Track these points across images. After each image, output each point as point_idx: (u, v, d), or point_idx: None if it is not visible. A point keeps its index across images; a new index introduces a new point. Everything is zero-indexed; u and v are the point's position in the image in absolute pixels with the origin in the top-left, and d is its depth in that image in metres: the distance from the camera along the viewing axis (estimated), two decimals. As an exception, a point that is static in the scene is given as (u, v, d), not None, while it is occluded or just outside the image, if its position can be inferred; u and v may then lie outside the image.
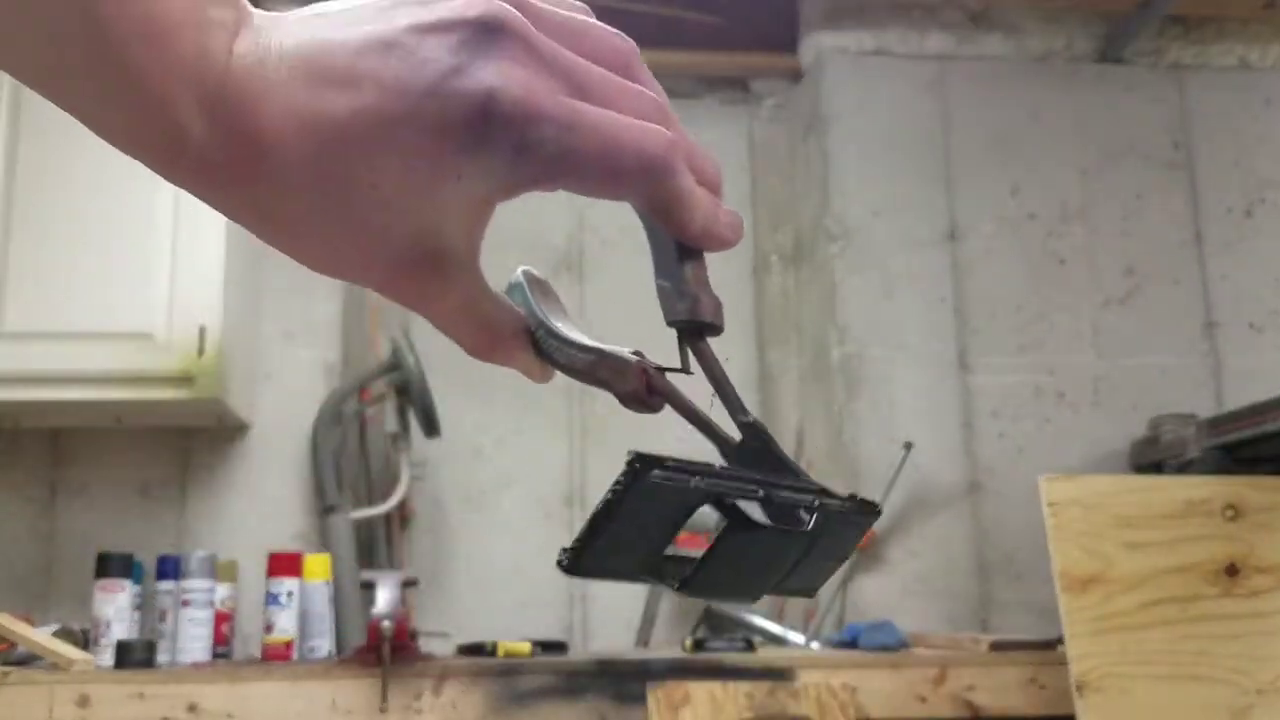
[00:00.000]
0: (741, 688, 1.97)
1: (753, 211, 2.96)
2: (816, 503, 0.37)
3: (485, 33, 0.32)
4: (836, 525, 0.37)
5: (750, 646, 2.14)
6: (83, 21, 0.30)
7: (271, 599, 2.11)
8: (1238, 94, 2.89)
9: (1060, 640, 1.96)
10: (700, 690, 1.95)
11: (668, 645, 2.54)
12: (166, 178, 0.34)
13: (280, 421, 2.52)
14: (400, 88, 0.32)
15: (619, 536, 0.33)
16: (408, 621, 2.04)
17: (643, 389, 0.38)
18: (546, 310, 0.40)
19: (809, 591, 0.39)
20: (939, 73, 2.81)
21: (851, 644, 2.21)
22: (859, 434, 2.58)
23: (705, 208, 0.36)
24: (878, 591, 2.51)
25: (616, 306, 2.64)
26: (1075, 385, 2.66)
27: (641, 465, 0.33)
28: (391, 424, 2.61)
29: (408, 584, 2.24)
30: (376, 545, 2.55)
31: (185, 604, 2.09)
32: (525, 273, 0.41)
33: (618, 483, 0.33)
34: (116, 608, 2.02)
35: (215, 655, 2.11)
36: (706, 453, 0.38)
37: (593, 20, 0.37)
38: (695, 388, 0.39)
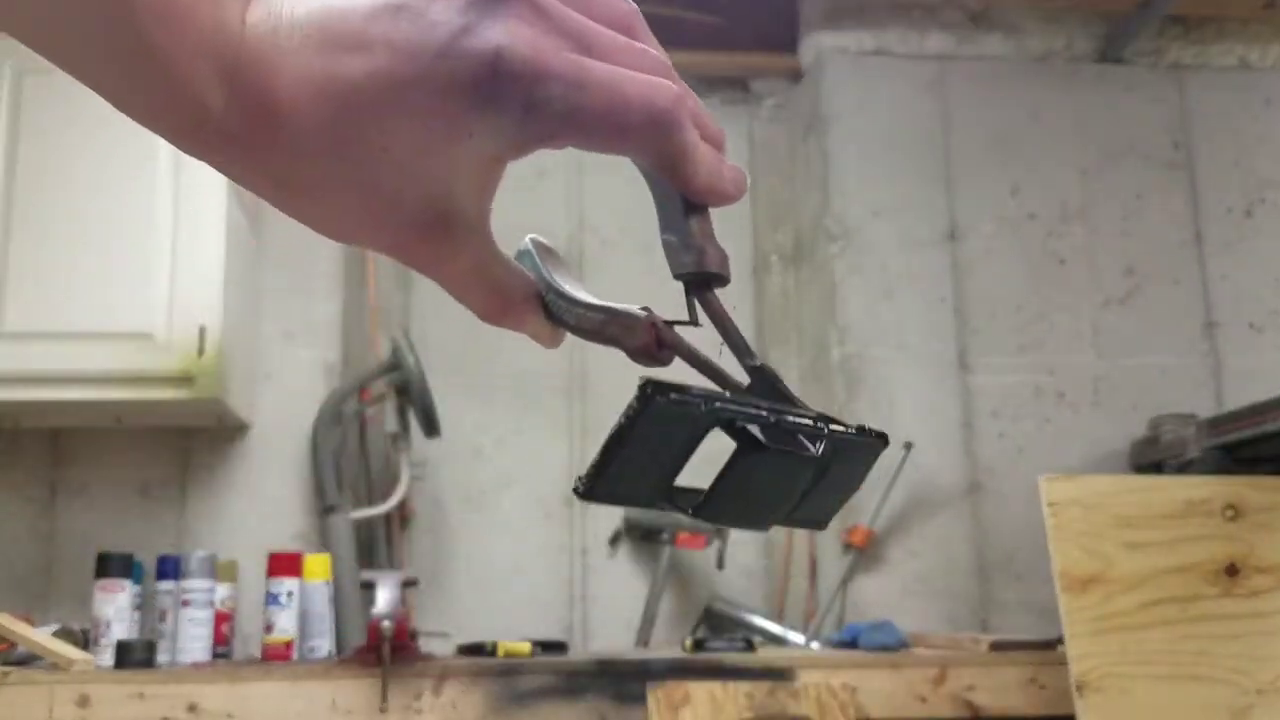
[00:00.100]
0: (741, 688, 1.97)
1: (753, 211, 2.96)
2: (825, 429, 0.37)
3: None
4: (846, 455, 0.38)
5: (750, 646, 2.14)
6: None
7: (271, 599, 2.11)
8: (1238, 94, 2.89)
9: (1060, 640, 1.96)
10: (700, 690, 1.95)
11: (668, 645, 2.54)
12: (185, 150, 0.34)
13: (280, 421, 2.52)
14: (411, 49, 0.33)
15: (631, 462, 0.34)
16: (408, 621, 2.04)
17: (652, 343, 0.38)
18: (556, 274, 0.40)
19: (819, 523, 0.40)
20: (939, 73, 2.81)
21: (851, 644, 2.21)
22: (863, 423, 2.58)
23: (710, 162, 0.37)
24: (878, 591, 2.51)
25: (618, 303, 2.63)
26: (1075, 385, 2.66)
27: (652, 390, 0.33)
28: (391, 424, 2.61)
29: (408, 584, 2.24)
30: (376, 545, 2.55)
31: (185, 604, 2.08)
32: (533, 240, 0.41)
33: (630, 408, 0.33)
34: (116, 608, 2.02)
35: (215, 655, 2.11)
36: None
37: None
38: (703, 342, 0.39)
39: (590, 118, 0.33)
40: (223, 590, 2.16)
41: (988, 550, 2.56)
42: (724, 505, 0.36)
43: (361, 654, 1.94)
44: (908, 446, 2.48)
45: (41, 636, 1.93)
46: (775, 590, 2.76)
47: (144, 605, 2.14)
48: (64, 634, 2.01)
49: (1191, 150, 2.85)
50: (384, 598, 2.07)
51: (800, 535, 2.71)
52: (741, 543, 2.70)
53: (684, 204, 0.38)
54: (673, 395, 0.34)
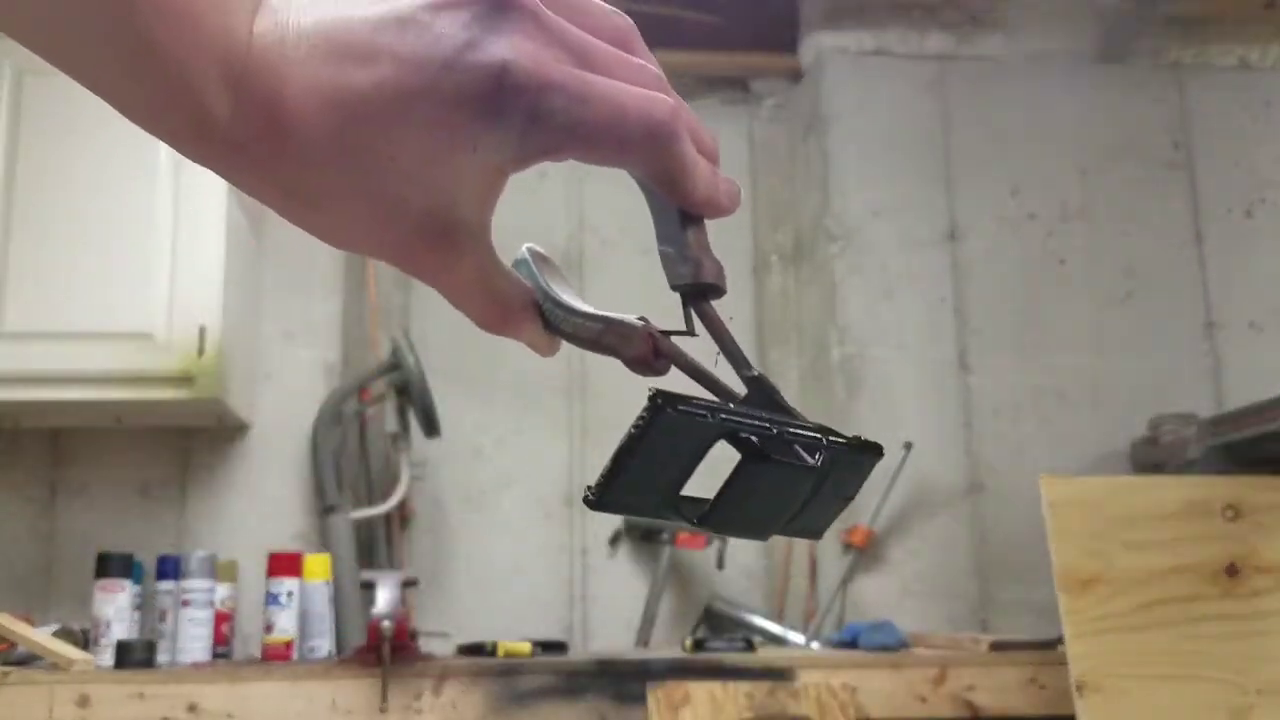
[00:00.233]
0: (741, 688, 1.97)
1: (753, 211, 2.96)
2: (825, 440, 0.38)
3: (496, 8, 0.34)
4: (843, 465, 0.39)
5: (750, 646, 2.14)
6: (108, 3, 0.31)
7: (271, 599, 2.11)
8: (1238, 94, 2.89)
9: (1060, 640, 1.96)
10: (700, 690, 1.95)
11: (668, 645, 2.54)
12: (188, 155, 0.35)
13: (280, 421, 2.52)
14: (418, 61, 0.33)
15: (640, 472, 0.35)
16: (408, 621, 2.04)
17: (649, 353, 0.39)
18: (552, 283, 0.41)
19: (816, 532, 0.41)
20: (939, 73, 2.81)
21: (851, 644, 2.21)
22: (859, 434, 2.58)
23: (706, 175, 0.37)
24: (878, 591, 2.51)
25: (616, 306, 2.63)
26: (1075, 385, 2.66)
27: (662, 401, 0.34)
28: (391, 424, 2.61)
29: (408, 584, 2.24)
30: (376, 545, 2.55)
31: (185, 604, 2.08)
32: (530, 249, 0.42)
33: (639, 419, 0.34)
34: (116, 608, 2.02)
35: (215, 655, 2.11)
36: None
37: None
38: (700, 352, 0.40)
39: (592, 130, 0.34)
40: (223, 590, 2.16)
41: (988, 550, 2.56)
42: (728, 515, 0.37)
43: (361, 654, 1.94)
44: (908, 446, 2.48)
45: (41, 636, 1.93)
46: (775, 590, 2.76)
47: (144, 605, 2.14)
48: (64, 634, 2.01)
49: (1191, 150, 2.85)
50: (384, 598, 2.07)
51: (800, 535, 2.71)
52: (741, 543, 2.70)
53: (680, 216, 0.39)
54: (682, 407, 0.34)
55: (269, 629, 2.10)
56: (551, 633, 2.58)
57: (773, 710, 1.95)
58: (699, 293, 0.39)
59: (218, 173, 0.35)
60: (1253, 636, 1.95)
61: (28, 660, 1.95)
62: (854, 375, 2.62)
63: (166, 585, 2.12)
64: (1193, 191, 2.83)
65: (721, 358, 0.40)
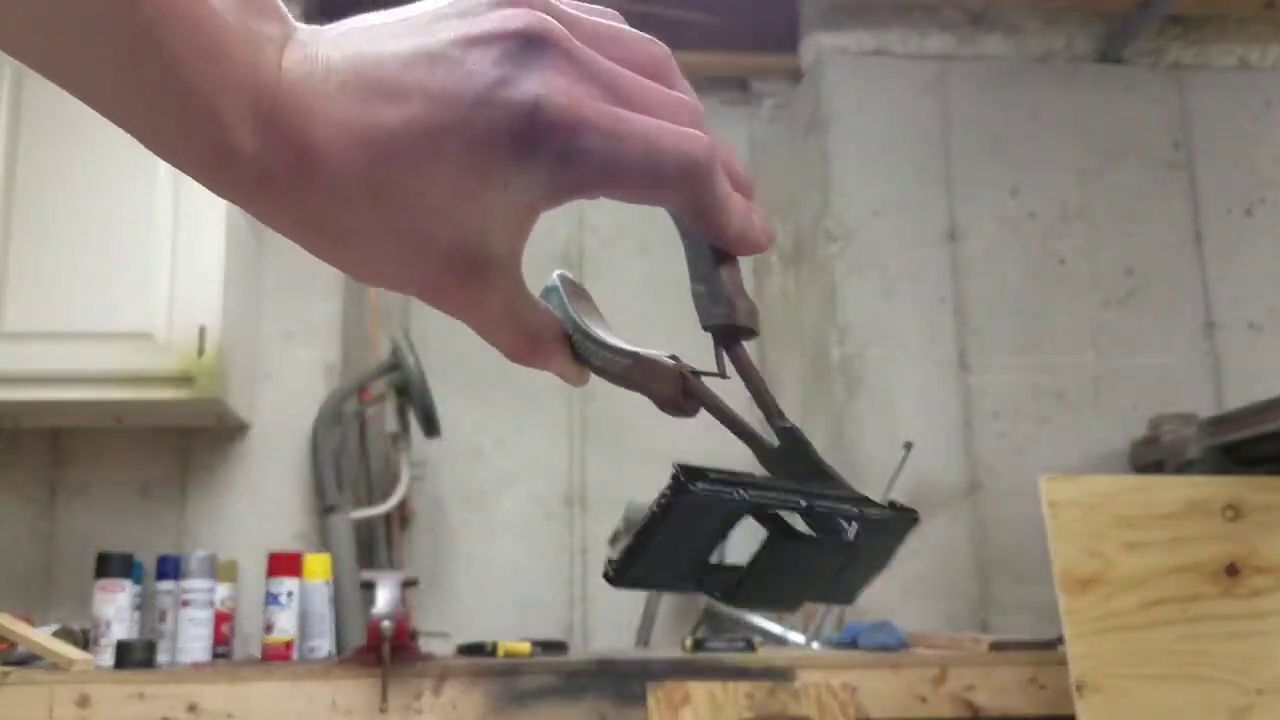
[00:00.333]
0: (741, 688, 1.96)
1: (753, 211, 2.95)
2: (858, 512, 0.36)
3: (528, 44, 0.33)
4: (877, 534, 0.37)
5: (750, 646, 2.14)
6: (135, 37, 0.31)
7: (271, 599, 2.11)
8: (1238, 94, 2.89)
9: (1060, 640, 1.96)
10: (700, 690, 1.95)
11: (668, 645, 2.54)
12: (208, 185, 0.34)
13: (280, 421, 2.52)
14: (448, 99, 0.33)
15: (663, 548, 0.34)
16: (408, 621, 2.04)
17: (679, 393, 0.38)
18: (582, 314, 0.40)
19: (848, 599, 0.40)
20: (939, 73, 2.81)
21: (851, 644, 2.21)
22: (859, 434, 2.59)
23: (741, 212, 0.37)
24: (878, 591, 2.50)
25: (616, 306, 2.63)
26: (1075, 385, 2.66)
27: (686, 477, 0.33)
28: (391, 424, 2.61)
29: (408, 584, 2.24)
30: (376, 545, 2.55)
31: (185, 604, 2.08)
32: (561, 276, 0.41)
33: (663, 495, 0.33)
34: (116, 608, 2.02)
35: (215, 655, 2.10)
36: (723, 451, 0.38)
37: (625, 26, 0.37)
38: (731, 394, 0.39)
39: (626, 169, 0.33)
40: (223, 590, 2.16)
41: (988, 550, 2.56)
42: (756, 590, 0.36)
43: (361, 654, 1.94)
44: (908, 446, 2.48)
45: (41, 636, 1.93)
46: (775, 590, 2.75)
47: (144, 605, 2.14)
48: (64, 634, 2.01)
49: (1191, 150, 2.85)
50: (384, 598, 2.07)
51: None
52: (741, 542, 2.69)
53: (714, 254, 0.38)
54: (704, 486, 0.33)
55: (269, 629, 2.10)
56: (551, 633, 2.58)
57: (773, 710, 1.95)
58: (731, 334, 0.38)
59: (239, 204, 0.35)
60: (1253, 636, 1.95)
61: (28, 660, 1.95)
62: (854, 375, 2.62)
63: (166, 585, 2.12)
64: (1193, 191, 2.83)
65: (752, 404, 0.38)
